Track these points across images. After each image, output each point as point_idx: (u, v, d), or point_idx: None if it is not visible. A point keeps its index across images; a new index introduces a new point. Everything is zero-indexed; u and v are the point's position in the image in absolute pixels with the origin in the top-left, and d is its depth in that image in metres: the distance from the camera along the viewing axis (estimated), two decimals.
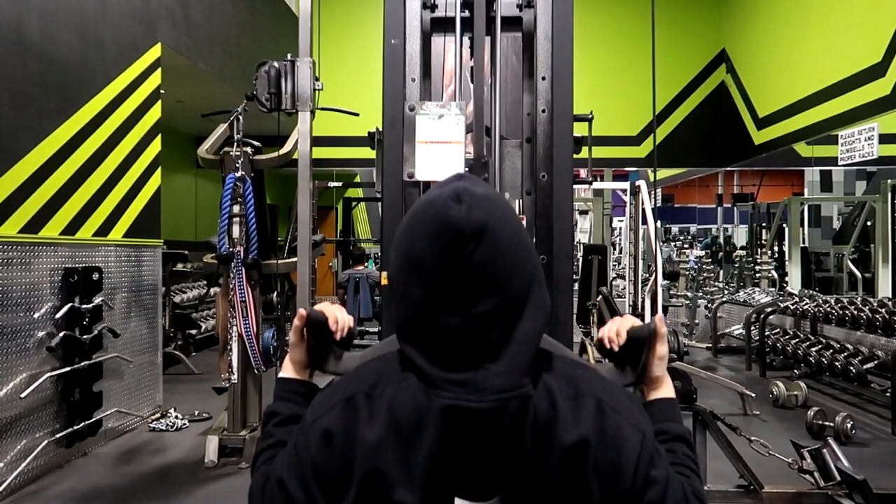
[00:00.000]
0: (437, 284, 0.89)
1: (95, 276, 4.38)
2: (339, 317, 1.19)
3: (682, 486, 0.99)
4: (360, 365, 1.06)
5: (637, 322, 1.20)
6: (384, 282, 2.19)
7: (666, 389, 1.17)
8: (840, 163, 7.33)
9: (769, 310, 7.16)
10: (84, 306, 4.23)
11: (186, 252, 7.69)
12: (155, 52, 5.22)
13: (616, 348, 1.18)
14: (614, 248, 13.42)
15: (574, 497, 0.90)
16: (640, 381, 1.18)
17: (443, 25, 2.33)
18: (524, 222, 2.10)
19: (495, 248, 0.88)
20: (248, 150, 4.27)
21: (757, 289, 9.51)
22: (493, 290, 0.88)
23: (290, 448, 1.00)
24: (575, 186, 2.35)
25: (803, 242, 12.25)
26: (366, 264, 8.86)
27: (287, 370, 1.20)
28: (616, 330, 1.18)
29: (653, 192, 6.09)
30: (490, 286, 0.88)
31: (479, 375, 0.88)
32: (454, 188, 0.91)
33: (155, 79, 5.19)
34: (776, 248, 11.99)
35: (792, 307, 6.83)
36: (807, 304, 6.67)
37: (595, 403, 0.92)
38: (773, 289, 9.67)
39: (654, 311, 4.78)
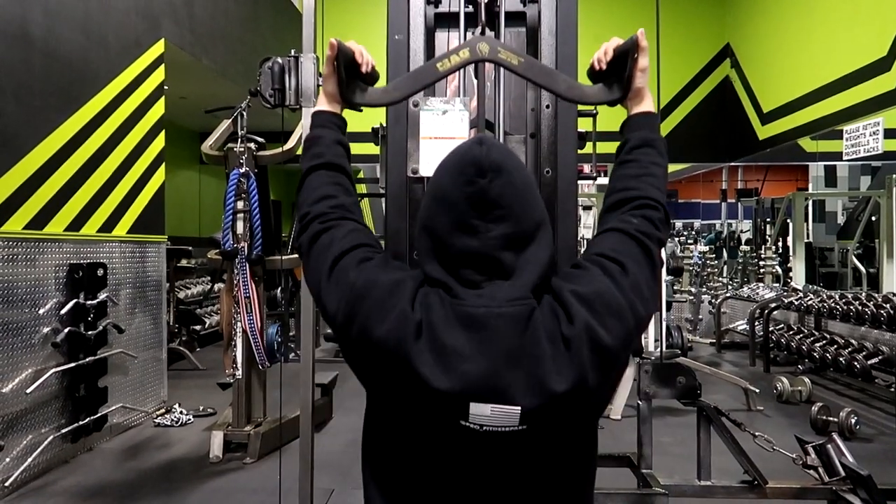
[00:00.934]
0: (460, 210, 1.05)
1: (100, 272, 4.39)
2: (363, 51, 1.37)
3: (635, 239, 1.15)
4: (409, 271, 1.16)
5: (621, 40, 1.32)
6: None
7: (646, 104, 1.34)
8: (845, 158, 7.31)
9: (773, 305, 7.14)
10: (89, 302, 4.24)
11: (190, 248, 7.70)
12: (158, 48, 5.22)
13: (604, 66, 1.33)
14: None
15: (599, 358, 1.01)
16: (626, 93, 1.33)
17: (446, 21, 2.32)
18: None
19: (509, 184, 1.05)
20: (252, 146, 4.27)
21: (761, 284, 9.49)
22: (506, 219, 1.04)
23: (341, 266, 1.14)
24: (579, 182, 2.34)
25: (807, 238, 12.22)
26: None
27: (322, 103, 1.36)
28: (604, 50, 1.34)
29: None
30: (504, 215, 1.04)
31: (494, 288, 1.04)
32: (477, 137, 1.11)
33: (158, 75, 5.19)
34: (780, 244, 11.96)
35: (796, 302, 6.81)
36: (811, 299, 6.65)
37: (572, 296, 1.05)
38: (777, 284, 9.65)
39: (657, 309, 4.78)
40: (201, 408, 5.29)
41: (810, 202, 13.59)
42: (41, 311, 3.94)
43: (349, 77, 1.32)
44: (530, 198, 1.08)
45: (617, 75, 1.32)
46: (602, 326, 1.02)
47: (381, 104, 1.41)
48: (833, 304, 6.15)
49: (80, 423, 4.18)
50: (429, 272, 1.09)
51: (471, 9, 2.21)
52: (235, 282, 4.21)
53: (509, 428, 1.00)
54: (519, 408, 0.99)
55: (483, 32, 2.18)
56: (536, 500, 1.08)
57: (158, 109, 5.17)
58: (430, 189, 1.13)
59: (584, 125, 2.34)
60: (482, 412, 0.99)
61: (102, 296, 4.37)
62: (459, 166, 1.07)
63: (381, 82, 2.25)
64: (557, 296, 1.06)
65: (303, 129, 2.58)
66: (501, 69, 2.25)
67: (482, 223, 1.04)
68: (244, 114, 4.28)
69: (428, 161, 2.04)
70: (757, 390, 5.44)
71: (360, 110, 1.46)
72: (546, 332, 1.01)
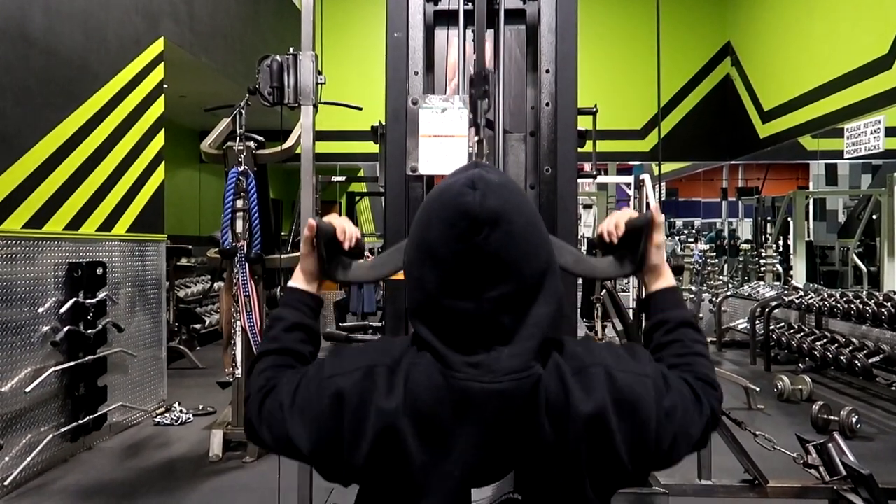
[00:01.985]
0: (451, 270, 0.91)
1: (99, 270, 4.39)
2: (346, 228, 1.23)
3: (690, 387, 1.03)
4: (386, 339, 1.11)
5: (635, 214, 1.22)
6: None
7: (666, 279, 1.20)
8: (846, 156, 7.29)
9: (774, 304, 7.14)
10: (88, 301, 4.24)
11: (190, 247, 7.70)
12: (158, 46, 5.21)
13: (615, 241, 1.22)
14: None
15: (603, 462, 0.93)
16: (640, 269, 1.21)
17: (446, 18, 2.31)
18: None
19: (510, 235, 0.90)
20: (252, 144, 4.26)
21: (761, 283, 9.48)
22: (506, 277, 0.90)
23: (300, 385, 1.02)
24: (579, 180, 2.33)
25: (808, 236, 12.21)
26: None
27: (297, 280, 1.23)
28: (615, 223, 1.21)
29: (657, 186, 6.06)
30: (504, 272, 0.90)
31: (491, 357, 0.91)
32: (469, 175, 0.93)
33: (158, 73, 5.18)
34: (781, 242, 11.95)
35: (797, 301, 6.81)
36: (812, 298, 6.65)
37: (603, 371, 0.95)
38: (778, 283, 9.64)
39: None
40: (201, 406, 5.28)
41: (811, 200, 13.57)
42: (40, 310, 3.93)
43: (331, 253, 1.24)
44: (534, 244, 0.94)
45: (629, 250, 1.23)
46: (616, 427, 0.92)
47: (366, 281, 1.32)
48: (834, 303, 6.14)
49: (80, 421, 4.17)
50: (418, 331, 0.97)
51: (470, 6, 2.20)
52: (235, 280, 4.20)
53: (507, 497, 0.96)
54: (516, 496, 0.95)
55: (483, 33, 2.17)
56: None
57: (158, 108, 5.16)
58: (416, 235, 0.98)
59: (584, 123, 2.33)
60: (485, 494, 0.95)
61: (102, 295, 4.36)
62: (449, 218, 0.91)
63: (380, 81, 2.25)
64: (583, 369, 0.95)
65: (302, 127, 2.57)
66: (501, 65, 2.25)
67: (477, 285, 0.90)
68: (243, 112, 4.27)
69: (427, 159, 2.04)
70: (758, 389, 5.43)
71: (339, 284, 1.35)
72: (549, 413, 0.91)
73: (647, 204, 5.97)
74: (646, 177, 6.78)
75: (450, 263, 0.91)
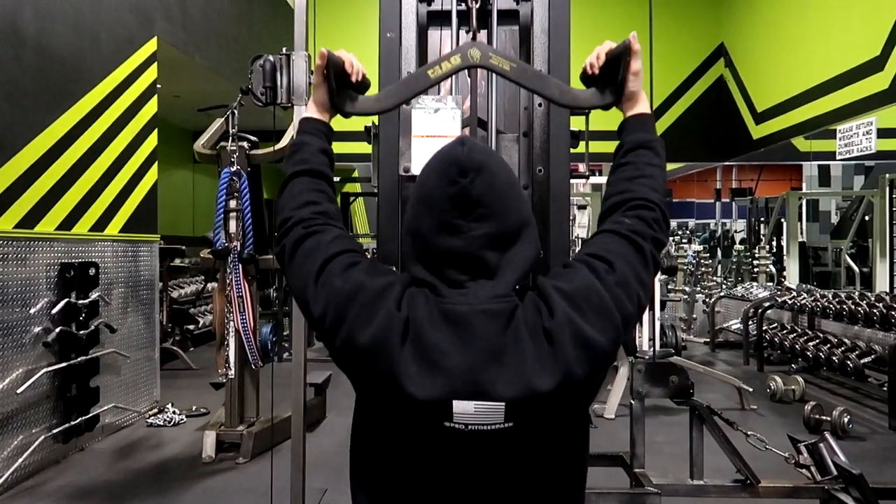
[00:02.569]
0: (443, 211, 1.06)
1: (92, 271, 4.37)
2: (353, 61, 1.37)
3: (628, 239, 1.15)
4: (396, 273, 1.18)
5: (614, 44, 1.32)
6: None
7: (640, 106, 1.34)
8: (838, 157, 7.32)
9: (767, 304, 7.16)
10: (81, 301, 4.22)
11: (183, 247, 7.68)
12: (151, 46, 5.20)
13: (597, 71, 1.33)
14: None
15: (585, 357, 1.02)
16: (620, 97, 1.33)
17: (439, 19, 2.31)
18: None
19: (491, 184, 1.07)
20: (245, 144, 4.25)
21: (755, 283, 9.51)
22: (489, 218, 1.06)
23: (330, 264, 1.14)
24: (572, 181, 2.34)
25: (801, 237, 12.25)
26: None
27: (311, 110, 1.36)
28: (596, 54, 1.33)
29: None
30: (487, 214, 1.06)
31: (477, 285, 1.06)
32: (460, 139, 1.12)
33: (151, 73, 5.17)
34: (774, 243, 11.99)
35: (790, 302, 6.83)
36: (804, 298, 6.67)
37: (552, 289, 1.07)
38: (771, 283, 9.67)
39: (651, 307, 4.78)
40: (194, 408, 5.27)
41: (804, 202, 13.62)
42: (32, 311, 3.91)
43: (339, 86, 1.32)
44: (513, 197, 1.09)
45: (610, 79, 1.32)
46: (585, 321, 1.03)
47: (371, 113, 1.41)
48: (826, 304, 6.16)
49: (72, 423, 4.15)
50: (414, 273, 1.11)
51: (463, 7, 2.20)
52: (228, 281, 4.19)
53: (495, 426, 1.00)
54: (503, 403, 0.99)
55: (475, 34, 2.17)
56: (527, 498, 1.07)
57: (151, 108, 5.15)
58: (415, 191, 1.14)
59: (576, 124, 2.33)
60: (466, 410, 0.99)
61: (94, 295, 4.35)
62: (442, 167, 1.08)
63: (374, 82, 2.24)
64: (541, 292, 1.07)
65: (294, 128, 2.56)
66: None
67: (465, 223, 1.06)
68: (236, 112, 4.26)
69: (420, 159, 2.03)
70: (750, 389, 5.45)
71: (349, 118, 1.46)
72: (528, 328, 1.02)
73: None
74: None
75: (442, 204, 1.06)
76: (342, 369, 1.11)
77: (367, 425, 1.13)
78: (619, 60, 1.27)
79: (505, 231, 1.07)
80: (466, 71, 2.36)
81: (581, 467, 1.16)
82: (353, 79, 1.35)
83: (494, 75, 2.21)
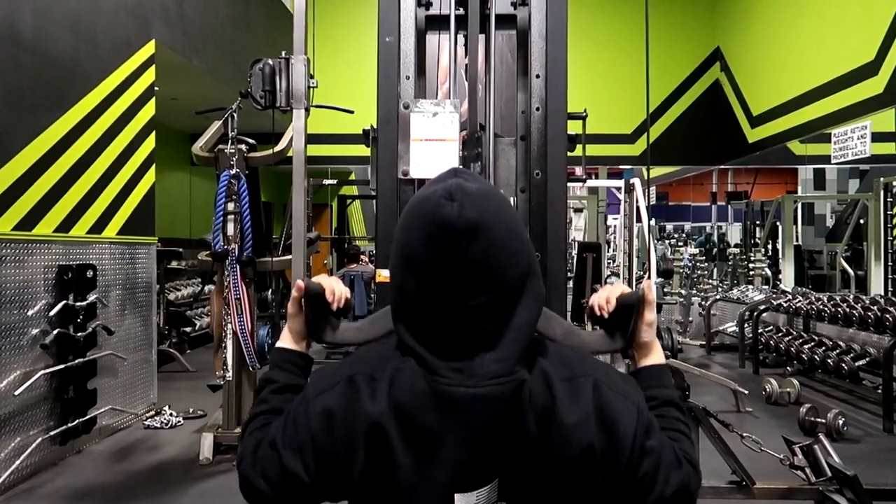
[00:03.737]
0: (431, 279, 0.91)
1: (90, 273, 4.37)
2: (335, 288, 1.21)
3: (674, 450, 1.02)
4: (363, 348, 1.08)
5: (627, 289, 1.22)
6: (379, 279, 2.20)
7: (655, 356, 1.20)
8: (833, 161, 7.36)
9: (762, 307, 7.19)
10: (78, 304, 4.22)
11: (181, 249, 7.68)
12: (149, 48, 5.21)
13: (606, 315, 1.20)
14: (609, 246, 13.44)
15: (579, 475, 0.93)
16: (629, 346, 1.21)
17: (437, 23, 2.33)
18: None
19: (488, 245, 0.90)
20: (243, 147, 4.26)
21: (750, 286, 9.55)
22: (486, 285, 0.91)
23: (288, 418, 1.01)
24: (569, 184, 2.36)
25: (797, 240, 12.29)
26: (364, 259, 8.86)
27: (285, 340, 1.21)
28: (606, 297, 1.20)
29: (647, 190, 6.11)
30: (484, 281, 0.90)
31: (474, 363, 0.91)
32: (447, 186, 0.92)
33: (149, 76, 5.18)
34: (770, 246, 12.03)
35: (785, 305, 6.86)
36: (800, 301, 6.70)
37: (591, 383, 0.95)
38: (767, 286, 9.71)
39: None
40: (191, 410, 5.27)
41: (799, 205, 13.67)
42: (30, 313, 3.92)
43: (319, 314, 1.23)
44: (514, 250, 0.94)
45: (619, 326, 1.23)
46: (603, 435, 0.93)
47: (353, 342, 1.28)
48: (821, 307, 6.19)
49: (69, 425, 4.15)
50: (401, 336, 0.97)
51: (461, 11, 2.22)
52: (226, 283, 4.20)
53: None
54: (496, 480, 0.94)
55: (474, 38, 2.19)
56: None
57: (149, 110, 5.16)
58: (398, 241, 0.97)
59: (574, 127, 2.35)
60: (469, 501, 0.93)
61: (92, 297, 4.35)
62: (428, 229, 0.91)
63: (372, 85, 2.26)
64: (570, 379, 0.95)
65: (294, 130, 2.58)
66: (492, 70, 2.27)
67: (457, 294, 0.91)
68: (235, 115, 4.27)
69: (418, 162, 2.05)
70: (746, 392, 5.47)
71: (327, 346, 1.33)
72: (535, 413, 0.92)
73: (643, 282, 6.03)
74: (636, 181, 6.83)
75: (430, 273, 0.91)
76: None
77: None
78: (630, 308, 1.19)
79: (506, 295, 0.93)
80: (464, 75, 2.38)
81: None
82: (334, 307, 1.22)
83: (492, 79, 2.23)
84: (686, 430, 1.14)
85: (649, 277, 4.92)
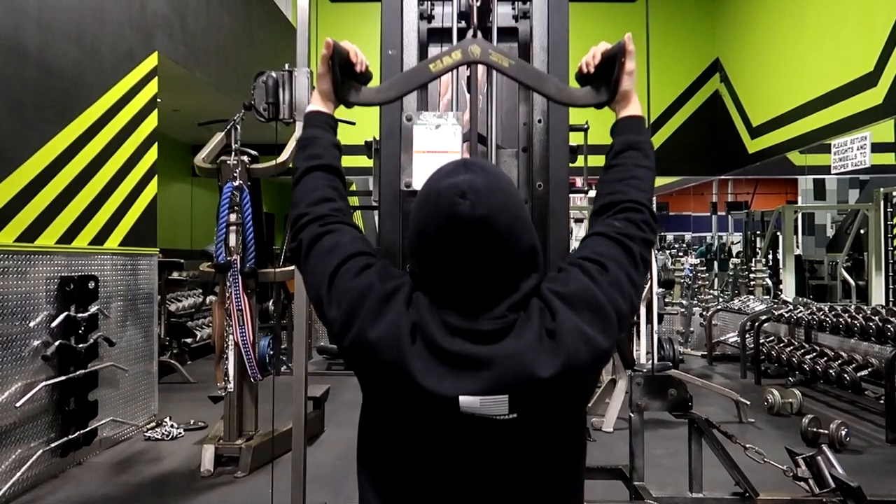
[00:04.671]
0: (444, 258, 1.07)
1: (91, 284, 4.38)
2: (358, 52, 1.39)
3: (618, 242, 1.20)
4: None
5: (609, 45, 1.35)
6: None
7: (632, 107, 1.37)
8: (833, 171, 7.38)
9: (764, 318, 7.18)
10: (80, 315, 4.22)
11: (182, 261, 7.69)
12: (151, 61, 5.24)
13: (592, 70, 1.36)
14: None
15: (584, 353, 1.07)
16: (614, 96, 1.35)
17: (440, 36, 2.34)
18: None
19: (497, 235, 1.06)
20: (245, 158, 4.28)
21: (751, 297, 9.54)
22: (493, 266, 1.07)
23: (344, 265, 1.17)
24: (571, 195, 2.36)
25: (797, 250, 12.30)
26: None
27: (316, 102, 1.38)
28: (592, 54, 1.37)
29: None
30: (491, 263, 1.07)
31: (476, 315, 1.07)
32: (459, 184, 1.06)
33: (151, 88, 5.20)
34: (770, 256, 12.03)
35: (786, 315, 6.85)
36: (801, 311, 6.69)
37: (550, 294, 1.11)
38: (768, 297, 9.70)
39: (649, 320, 4.80)
40: (192, 421, 5.26)
41: (800, 215, 13.69)
42: (31, 324, 3.92)
43: (343, 76, 1.35)
44: (519, 233, 1.10)
45: (605, 78, 1.35)
46: (584, 321, 1.08)
47: (374, 103, 1.44)
48: (823, 317, 6.19)
49: (70, 436, 4.14)
50: (418, 298, 1.13)
51: (463, 24, 2.24)
52: (228, 294, 4.20)
53: (500, 416, 1.04)
54: (506, 396, 1.03)
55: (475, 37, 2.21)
56: (530, 485, 1.11)
57: (151, 122, 5.18)
58: (414, 224, 1.14)
59: (575, 139, 2.36)
60: (472, 404, 1.03)
61: (93, 308, 4.35)
62: (443, 223, 1.06)
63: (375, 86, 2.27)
64: (541, 297, 1.11)
65: (295, 141, 2.59)
66: (493, 81, 2.28)
67: (468, 269, 1.07)
68: (237, 127, 4.29)
69: (421, 175, 2.06)
70: (748, 402, 5.46)
71: (351, 108, 1.48)
72: (532, 329, 1.06)
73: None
74: None
75: (442, 252, 1.07)
76: (351, 367, 1.14)
77: (376, 418, 1.16)
78: (614, 60, 1.31)
79: (509, 270, 1.10)
80: (466, 87, 2.40)
81: (580, 453, 1.21)
82: (358, 69, 1.37)
83: (494, 90, 2.25)
84: (639, 173, 1.29)
85: (650, 287, 4.92)
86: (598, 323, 1.09)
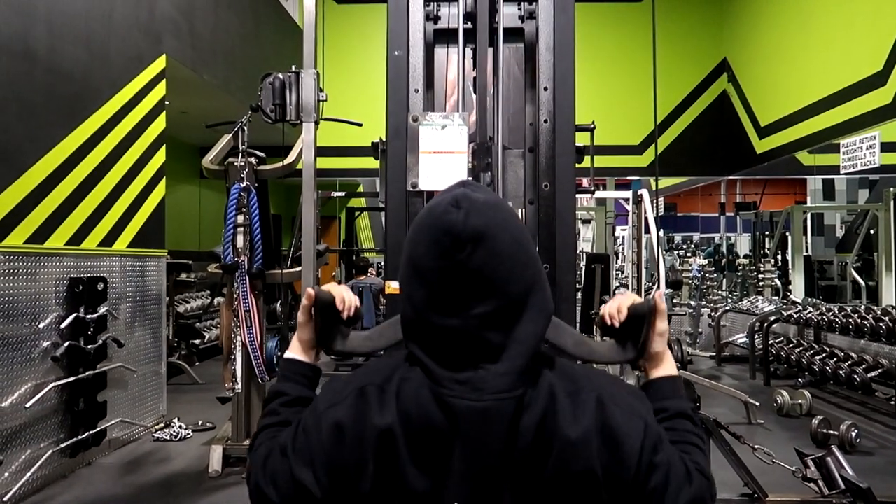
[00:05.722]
0: (436, 286, 0.92)
1: (100, 286, 4.40)
2: (345, 297, 1.21)
3: (685, 463, 1.00)
4: (374, 359, 1.08)
5: (638, 299, 1.20)
6: (388, 291, 2.21)
7: (667, 367, 1.18)
8: (842, 171, 7.34)
9: (773, 318, 7.15)
10: (89, 316, 4.25)
11: (190, 262, 7.71)
12: (160, 63, 5.27)
13: (617, 325, 1.19)
14: (617, 257, 13.41)
15: (582, 492, 0.92)
16: (641, 356, 1.19)
17: (446, 37, 2.35)
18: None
19: (493, 253, 0.91)
20: (253, 160, 4.29)
21: (760, 297, 9.50)
22: (490, 294, 0.91)
23: (298, 430, 1.01)
24: (577, 195, 2.36)
25: (806, 251, 12.25)
26: (372, 271, 8.87)
27: (294, 350, 1.20)
28: (617, 307, 1.19)
29: (655, 201, 6.10)
30: (488, 289, 0.91)
31: (478, 375, 0.91)
32: (454, 195, 0.94)
33: (160, 90, 5.23)
34: (779, 257, 11.97)
35: (795, 316, 6.82)
36: (810, 312, 6.66)
37: (595, 398, 0.94)
38: (777, 297, 9.66)
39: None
40: (200, 422, 5.27)
41: (809, 215, 13.62)
42: (41, 326, 3.94)
43: (327, 323, 1.22)
44: (518, 261, 0.94)
45: (631, 335, 1.21)
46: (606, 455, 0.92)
47: (362, 353, 1.29)
48: (832, 317, 6.15)
49: (79, 437, 4.17)
50: (409, 347, 0.99)
51: (469, 25, 2.24)
52: (235, 295, 4.21)
53: None
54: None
55: (483, 51, 2.21)
56: None
57: (159, 124, 5.20)
58: (406, 252, 0.99)
59: (581, 139, 2.36)
60: None
61: (102, 310, 4.37)
62: (434, 235, 0.93)
63: (381, 99, 2.27)
64: (573, 393, 0.95)
65: (303, 143, 2.60)
66: (500, 84, 2.28)
67: (461, 301, 0.91)
68: (245, 128, 4.30)
69: (427, 175, 2.06)
70: (757, 403, 5.43)
71: (338, 356, 1.33)
72: (538, 428, 0.91)
73: (652, 289, 6.03)
74: (644, 192, 6.83)
75: (435, 280, 0.92)
76: None
77: None
78: (641, 318, 1.18)
79: (509, 305, 0.93)
80: (472, 87, 2.40)
81: None
82: (344, 315, 1.21)
83: (500, 92, 2.25)
84: (698, 442, 1.11)
85: (658, 288, 4.91)
86: (618, 469, 0.93)
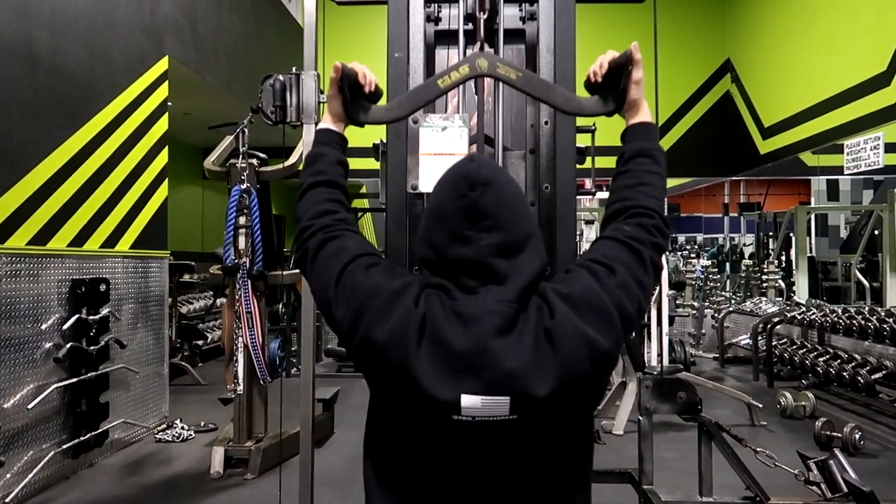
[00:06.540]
0: (454, 222, 1.13)
1: (102, 287, 4.41)
2: (366, 73, 1.44)
3: (626, 245, 1.20)
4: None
5: (617, 53, 1.35)
6: None
7: (642, 114, 1.38)
8: (846, 172, 7.32)
9: (776, 320, 7.12)
10: (91, 317, 4.25)
11: (193, 263, 7.72)
12: (162, 65, 5.27)
13: (600, 79, 1.37)
14: None
15: (582, 354, 1.06)
16: (622, 106, 1.38)
17: (446, 38, 2.34)
18: None
19: (500, 197, 1.13)
20: (254, 161, 4.29)
21: (764, 298, 9.47)
22: (496, 228, 1.12)
23: (349, 269, 1.20)
24: (579, 197, 2.36)
25: (810, 252, 12.22)
26: None
27: (327, 121, 1.43)
28: (599, 63, 1.38)
29: None
30: (494, 225, 1.12)
31: (487, 290, 1.11)
32: (469, 155, 1.23)
33: (162, 91, 5.24)
34: (783, 258, 11.94)
35: (799, 317, 6.79)
36: (814, 313, 6.64)
37: (551, 292, 1.13)
38: (780, 298, 9.63)
39: (659, 322, 4.77)
40: (202, 423, 5.28)
41: (813, 216, 13.59)
42: (43, 327, 3.95)
43: (353, 97, 1.39)
44: (520, 210, 1.16)
45: (612, 87, 1.36)
46: (584, 320, 1.08)
47: (384, 122, 1.47)
48: (836, 319, 6.13)
49: (82, 438, 4.17)
50: (430, 280, 1.17)
51: (470, 26, 2.23)
52: (237, 297, 4.22)
53: (501, 417, 1.05)
54: (508, 398, 1.04)
55: (482, 49, 2.20)
56: (534, 485, 1.12)
57: (162, 125, 5.21)
58: (429, 206, 1.22)
59: (582, 140, 2.35)
60: (473, 404, 1.04)
61: (105, 311, 4.38)
62: (453, 181, 1.16)
63: (383, 100, 2.27)
64: (542, 295, 1.13)
65: (304, 145, 2.59)
66: (501, 85, 2.27)
67: (474, 233, 1.12)
68: (246, 130, 4.31)
69: (427, 177, 2.06)
70: (760, 405, 5.41)
71: (363, 127, 1.52)
72: (531, 329, 1.08)
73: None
74: None
75: (453, 216, 1.13)
76: (359, 368, 1.16)
77: (381, 415, 1.19)
78: (621, 69, 1.32)
79: (512, 241, 1.13)
80: (474, 89, 2.39)
81: (586, 451, 1.20)
82: (366, 89, 1.42)
83: (501, 93, 2.24)
84: (649, 179, 1.30)
85: (661, 289, 4.89)
86: (600, 324, 1.09)
